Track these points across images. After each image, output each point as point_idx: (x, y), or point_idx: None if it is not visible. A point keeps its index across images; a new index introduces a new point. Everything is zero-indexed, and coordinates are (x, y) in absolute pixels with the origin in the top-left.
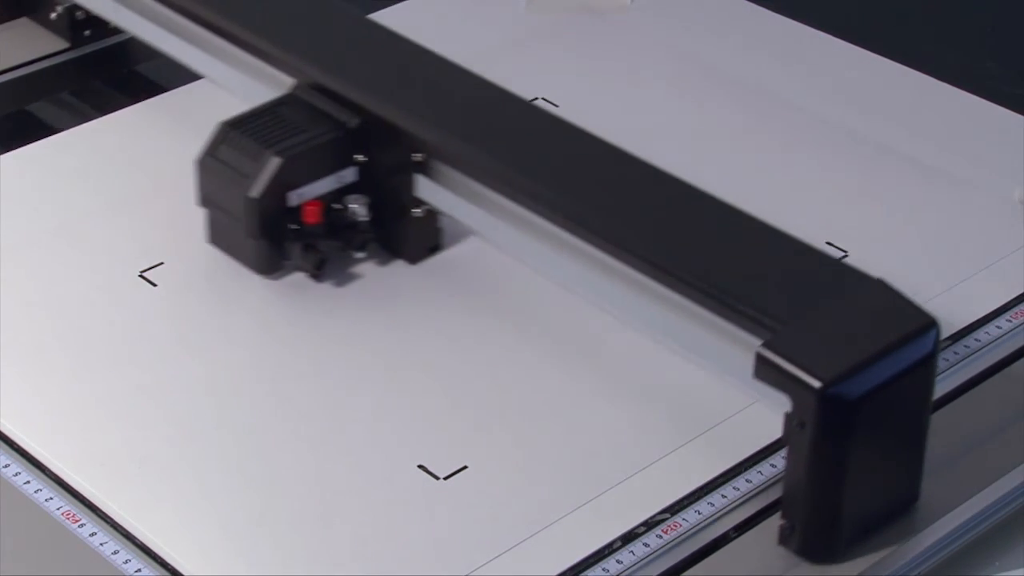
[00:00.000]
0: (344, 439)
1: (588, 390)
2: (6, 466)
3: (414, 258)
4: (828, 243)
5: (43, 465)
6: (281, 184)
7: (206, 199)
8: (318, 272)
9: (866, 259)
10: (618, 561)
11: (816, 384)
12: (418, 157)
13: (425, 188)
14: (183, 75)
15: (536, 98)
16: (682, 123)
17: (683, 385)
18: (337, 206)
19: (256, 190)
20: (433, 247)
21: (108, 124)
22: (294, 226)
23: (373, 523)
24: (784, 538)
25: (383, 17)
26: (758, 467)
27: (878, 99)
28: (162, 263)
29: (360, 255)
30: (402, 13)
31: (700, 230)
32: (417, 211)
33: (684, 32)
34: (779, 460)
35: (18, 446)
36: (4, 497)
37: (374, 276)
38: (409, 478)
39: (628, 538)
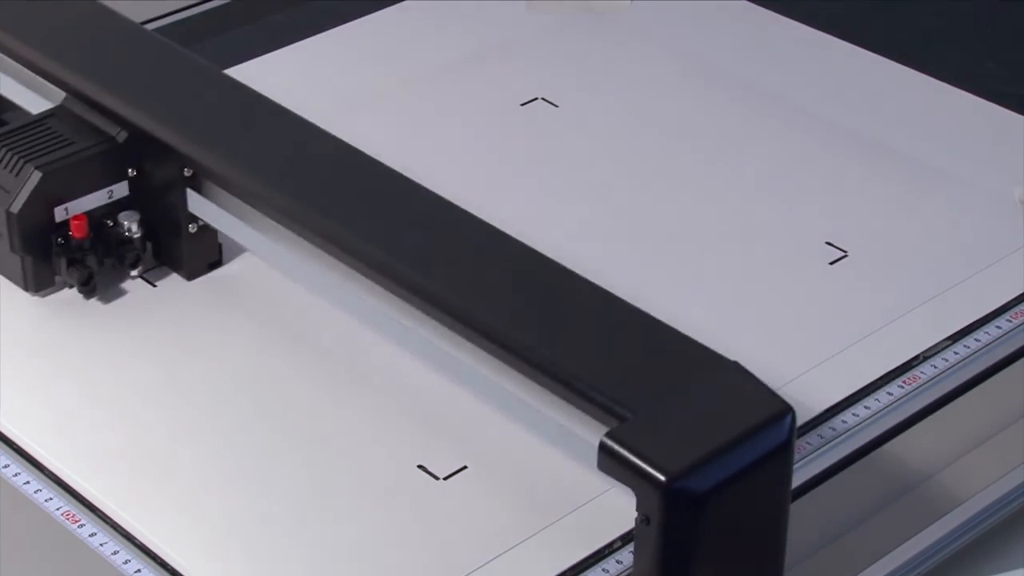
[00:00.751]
0: (344, 439)
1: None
2: (6, 466)
3: (191, 274)
4: (828, 243)
5: (43, 465)
6: (45, 198)
7: None
8: (84, 288)
9: (866, 259)
10: (618, 561)
11: (661, 477)
12: (188, 172)
13: (197, 204)
14: None
15: (536, 98)
16: (682, 123)
17: None
18: (109, 222)
19: (17, 204)
20: (213, 263)
21: None
22: (61, 241)
23: (373, 523)
24: None
25: (383, 17)
26: None
27: (879, 99)
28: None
29: (134, 273)
30: (402, 13)
31: (549, 305)
32: (192, 227)
33: (684, 32)
34: None
35: (18, 446)
36: (4, 497)
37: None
38: (409, 478)
39: (628, 538)
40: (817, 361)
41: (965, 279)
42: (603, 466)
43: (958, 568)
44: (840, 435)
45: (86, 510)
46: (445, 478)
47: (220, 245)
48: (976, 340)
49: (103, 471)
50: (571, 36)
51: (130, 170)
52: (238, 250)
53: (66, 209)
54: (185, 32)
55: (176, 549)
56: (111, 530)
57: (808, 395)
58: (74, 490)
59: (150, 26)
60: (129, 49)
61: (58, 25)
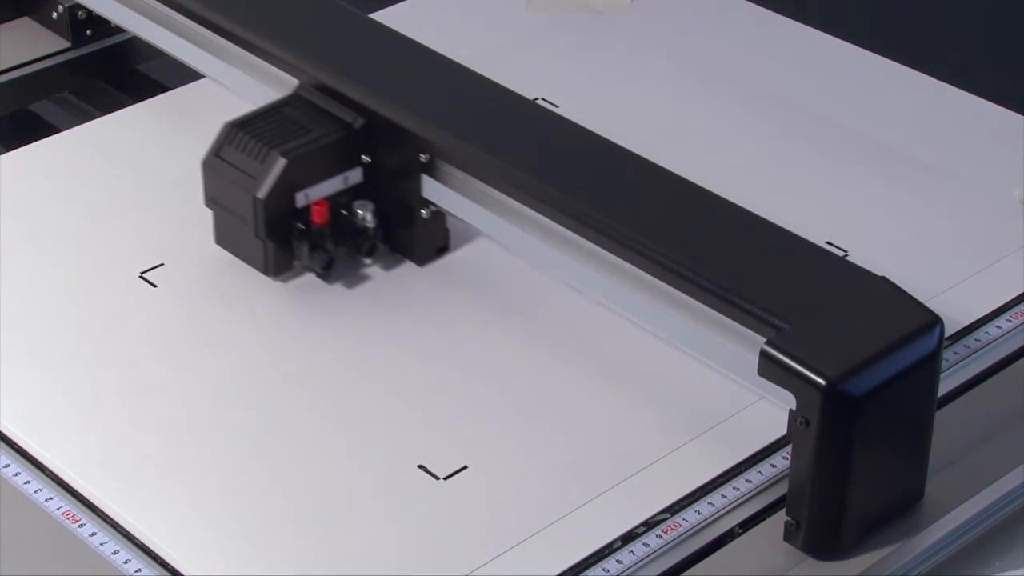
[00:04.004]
0: (344, 439)
1: (589, 389)
2: (6, 466)
3: (422, 260)
4: (828, 243)
5: (43, 465)
6: (288, 184)
7: (212, 200)
8: (326, 272)
9: (866, 259)
10: (618, 561)
11: (821, 381)
12: (424, 158)
13: (432, 189)
14: (184, 75)
15: (536, 98)
16: (682, 123)
17: (683, 385)
18: (344, 212)
19: (263, 190)
20: (441, 248)
21: (110, 123)
22: (301, 226)
23: (373, 523)
24: (789, 535)
25: (383, 17)
26: (758, 467)
27: (879, 99)
28: (162, 263)
29: (368, 261)
30: (402, 13)
31: (705, 228)
32: (424, 212)
33: (684, 32)
34: (779, 460)
35: (18, 446)
36: (4, 497)
37: (382, 278)
38: (409, 478)
39: (628, 538)
40: None
41: (965, 279)
42: (764, 372)
43: (958, 568)
44: None
45: (86, 510)
46: (445, 478)
47: (448, 230)
48: (976, 340)
49: (103, 471)
50: (571, 36)
51: (364, 156)
52: (465, 236)
53: (306, 195)
54: None
55: (176, 549)
56: (111, 530)
57: None
58: (74, 490)
59: None
60: (357, 37)
61: (284, 13)
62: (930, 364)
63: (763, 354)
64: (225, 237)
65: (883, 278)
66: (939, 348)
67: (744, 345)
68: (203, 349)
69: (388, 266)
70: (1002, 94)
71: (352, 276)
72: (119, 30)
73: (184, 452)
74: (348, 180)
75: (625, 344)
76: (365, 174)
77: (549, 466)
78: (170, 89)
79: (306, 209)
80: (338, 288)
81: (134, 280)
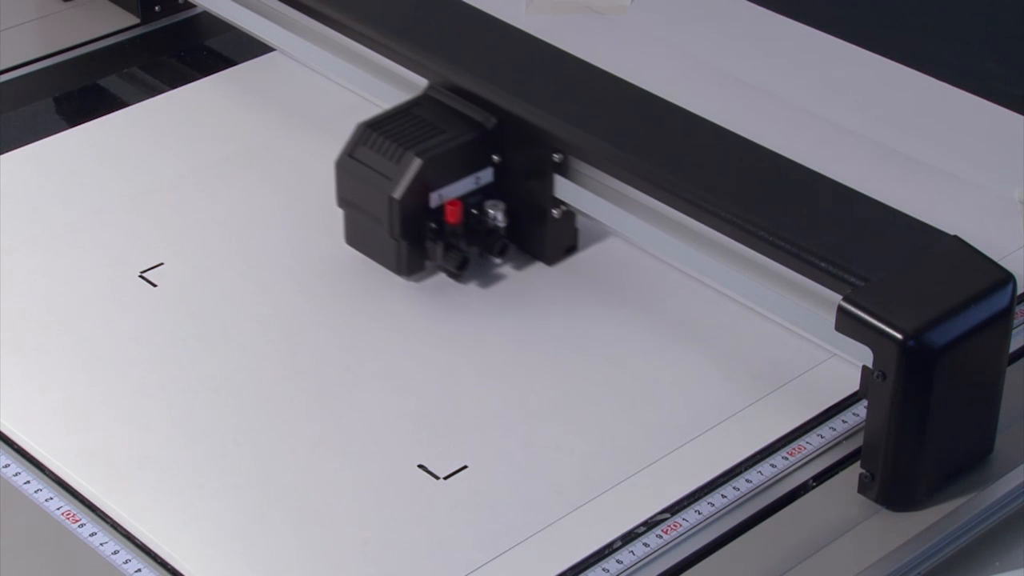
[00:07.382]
0: (344, 439)
1: (589, 389)
2: (6, 466)
3: (552, 259)
4: None
5: (43, 465)
6: (423, 185)
7: (344, 200)
8: (460, 272)
9: None
10: (618, 561)
11: (899, 336)
12: (557, 157)
13: (564, 188)
14: (251, 51)
15: None
16: None
17: (683, 384)
18: (475, 211)
19: (399, 191)
20: (570, 247)
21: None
22: (434, 226)
23: (373, 523)
24: (863, 487)
25: None
26: (758, 467)
27: (878, 99)
28: (162, 263)
29: (498, 260)
30: None
31: (778, 191)
32: (556, 212)
33: (684, 32)
34: (779, 460)
35: (18, 446)
36: (4, 497)
37: (513, 278)
38: (409, 478)
39: (628, 538)
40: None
41: None
42: (841, 327)
43: (958, 568)
44: None
45: (86, 510)
46: (445, 478)
47: (577, 230)
48: None
49: (103, 471)
50: (571, 36)
51: (495, 156)
52: (594, 235)
53: (439, 195)
54: None
55: (176, 549)
56: (111, 530)
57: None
58: (74, 490)
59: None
60: (482, 35)
61: (409, 14)
62: (1003, 320)
63: (841, 310)
64: (356, 237)
65: (955, 237)
66: (1012, 304)
67: (817, 304)
68: (202, 349)
69: (518, 266)
70: (1002, 94)
71: (483, 276)
72: (187, 6)
73: (184, 452)
74: (479, 180)
75: (630, 340)
76: (496, 174)
77: (549, 466)
78: (237, 63)
79: (439, 209)
80: (472, 287)
81: (134, 280)
